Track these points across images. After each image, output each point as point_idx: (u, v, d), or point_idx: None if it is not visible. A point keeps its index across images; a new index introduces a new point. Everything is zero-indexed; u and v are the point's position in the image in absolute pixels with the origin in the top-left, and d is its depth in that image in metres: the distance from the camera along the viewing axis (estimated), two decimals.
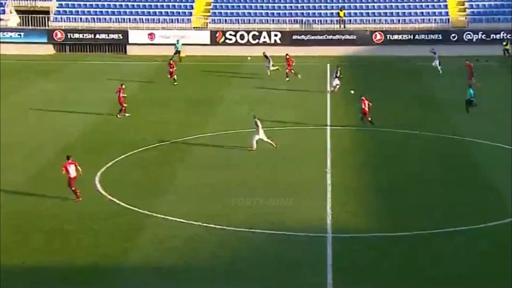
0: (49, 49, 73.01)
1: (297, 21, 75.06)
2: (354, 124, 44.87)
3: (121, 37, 73.17)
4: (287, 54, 59.82)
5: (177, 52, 67.43)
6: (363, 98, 43.55)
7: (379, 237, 28.02)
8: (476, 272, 24.77)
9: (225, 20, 75.13)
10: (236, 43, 73.18)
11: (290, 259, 26.04)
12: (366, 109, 43.20)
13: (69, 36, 73.14)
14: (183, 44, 68.97)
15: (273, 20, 74.96)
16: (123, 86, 47.05)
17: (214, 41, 73.28)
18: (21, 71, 62.77)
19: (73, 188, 31.24)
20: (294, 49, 68.84)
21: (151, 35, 73.01)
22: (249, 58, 68.72)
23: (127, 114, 46.47)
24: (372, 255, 26.47)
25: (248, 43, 73.15)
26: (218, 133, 42.70)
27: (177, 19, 74.67)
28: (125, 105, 46.75)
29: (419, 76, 61.58)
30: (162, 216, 29.92)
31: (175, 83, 56.52)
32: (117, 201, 31.52)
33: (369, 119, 43.06)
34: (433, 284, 24.01)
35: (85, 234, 28.29)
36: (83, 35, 73.34)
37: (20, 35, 73.22)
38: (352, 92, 49.06)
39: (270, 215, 30.02)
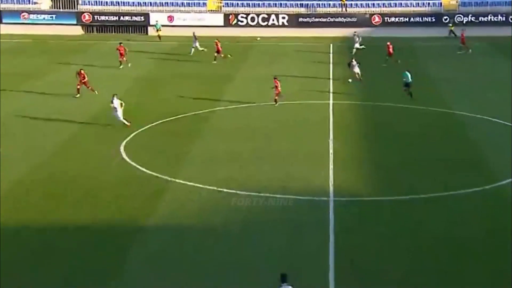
0: (78, 30, 73.15)
1: (302, 5, 74.82)
2: (354, 99, 44.83)
3: (143, 19, 73.26)
4: (216, 39, 59.37)
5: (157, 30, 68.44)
6: (275, 79, 43.11)
7: (377, 200, 28.18)
8: (462, 234, 24.90)
9: (237, 4, 74.87)
10: (247, 25, 73.19)
11: (297, 220, 26.15)
12: (279, 89, 42.66)
13: (96, 18, 73.24)
14: (199, 26, 68.79)
15: (281, 4, 74.67)
16: (83, 71, 45.52)
17: (227, 23, 73.22)
18: (54, 50, 62.58)
19: None
20: (300, 30, 68.96)
21: (170, 18, 72.94)
22: (258, 38, 68.64)
23: (77, 95, 45.05)
24: (371, 216, 26.65)
25: (258, 25, 73.15)
26: (232, 106, 42.66)
27: (194, 3, 74.52)
28: (78, 87, 45.29)
29: (414, 55, 61.24)
30: (182, 181, 30.02)
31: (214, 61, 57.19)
32: (141, 168, 31.63)
33: (276, 98, 42.76)
34: (424, 239, 24.43)
35: (111, 197, 28.52)
36: (108, 18, 73.36)
37: (52, 17, 73.28)
38: (350, 81, 48.89)
39: (278, 181, 30.10)
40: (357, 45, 60.86)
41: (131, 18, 73.43)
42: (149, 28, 72.54)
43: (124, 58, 55.46)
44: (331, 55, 60.22)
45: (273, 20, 73.20)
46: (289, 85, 47.27)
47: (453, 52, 61.30)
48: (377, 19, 73.03)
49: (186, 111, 41.17)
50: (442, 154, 34.02)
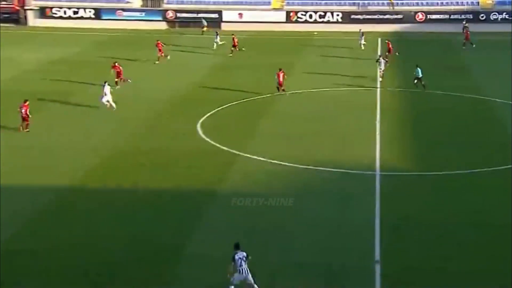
0: (163, 25, 73.52)
1: (354, 4, 73.57)
2: (399, 86, 44.22)
3: (217, 16, 73.16)
4: (233, 34, 58.51)
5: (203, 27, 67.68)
6: (280, 71, 41.59)
7: (418, 175, 28.07)
8: (492, 208, 24.57)
9: (298, 2, 74.05)
10: (306, 22, 72.46)
11: (346, 191, 26.33)
12: (281, 80, 41.31)
13: (178, 16, 73.50)
14: (263, 22, 69.14)
15: (335, 2, 73.61)
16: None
17: (288, 20, 72.65)
18: (143, 42, 63.04)
19: None
20: (352, 26, 67.71)
21: (240, 15, 72.76)
22: (315, 33, 67.93)
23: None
24: (412, 189, 26.61)
25: (315, 21, 72.49)
26: (292, 91, 42.48)
27: (260, 2, 74.11)
28: (119, 78, 43.16)
29: (453, 48, 59.79)
30: (248, 155, 30.27)
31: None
32: (213, 143, 31.95)
33: (283, 88, 41.46)
34: (460, 210, 24.22)
35: (188, 166, 29.03)
36: (188, 14, 73.55)
37: (141, 14, 73.95)
38: (397, 54, 47.99)
39: (331, 156, 30.19)
40: (362, 42, 59.94)
41: (207, 15, 73.41)
42: (222, 23, 72.40)
43: (162, 53, 53.17)
44: (379, 47, 59.06)
45: (328, 17, 72.42)
46: (342, 73, 46.77)
47: (488, 45, 59.49)
48: (420, 16, 71.43)
49: (253, 95, 41.15)
50: (475, 135, 33.68)
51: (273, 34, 65.11)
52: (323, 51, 58.56)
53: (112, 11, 73.69)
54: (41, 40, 62.66)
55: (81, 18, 72.58)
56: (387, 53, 52.79)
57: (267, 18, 72.23)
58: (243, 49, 57.44)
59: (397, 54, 53.42)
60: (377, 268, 19.83)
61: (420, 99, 41.27)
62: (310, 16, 72.67)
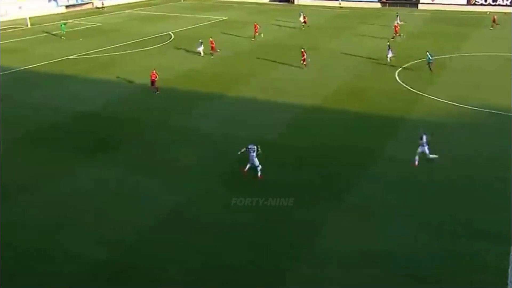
0: (377, 4, 69.09)
1: None
2: None
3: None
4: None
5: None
6: (303, 50, 34.57)
7: None
8: None
9: None
10: (481, 5, 63.07)
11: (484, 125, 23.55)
12: (305, 57, 34.09)
13: None
14: (448, 4, 61.56)
15: None
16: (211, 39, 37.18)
17: (468, 2, 63.92)
18: (360, 16, 59.69)
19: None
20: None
21: None
22: (488, 13, 59.13)
23: (219, 50, 36.62)
24: None
25: (489, 4, 62.65)
26: (465, 54, 37.86)
27: None
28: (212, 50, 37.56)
29: None
30: (429, 96, 28.46)
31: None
32: (405, 85, 30.42)
33: (304, 64, 33.70)
34: None
35: (385, 100, 27.63)
36: None
37: None
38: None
39: (484, 101, 26.86)
40: (398, 21, 48.60)
41: None
42: (418, 4, 66.00)
43: (257, 32, 44.80)
44: None
45: (499, 1, 62.17)
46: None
47: None
48: None
49: (436, 55, 37.09)
50: None
51: (456, 13, 58.23)
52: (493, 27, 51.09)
53: None
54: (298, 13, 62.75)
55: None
56: (393, 35, 43.91)
57: (449, 1, 64.30)
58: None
59: (402, 36, 43.72)
60: None
61: None
62: (485, 0, 63.24)
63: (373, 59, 37.40)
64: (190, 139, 22.49)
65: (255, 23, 46.56)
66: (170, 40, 44.94)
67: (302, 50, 35.09)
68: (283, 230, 15.36)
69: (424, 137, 19.03)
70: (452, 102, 27.11)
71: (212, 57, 37.78)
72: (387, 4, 68.67)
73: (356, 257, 13.96)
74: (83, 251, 14.48)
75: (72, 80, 32.54)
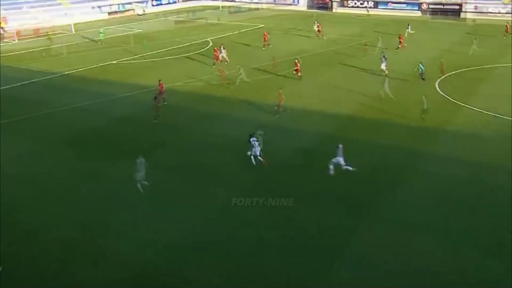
0: (418, 13, 67.85)
1: None
2: None
3: (457, 8, 65.12)
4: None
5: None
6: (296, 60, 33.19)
7: None
8: None
9: None
10: None
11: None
12: (299, 67, 32.57)
13: (430, 7, 67.08)
14: (490, 13, 59.29)
15: None
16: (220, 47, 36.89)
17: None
18: (402, 23, 58.87)
19: None
20: None
21: (475, 7, 63.85)
22: None
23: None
24: None
25: None
26: (505, 65, 36.63)
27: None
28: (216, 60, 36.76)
29: None
30: (470, 107, 27.92)
31: None
32: (445, 96, 29.88)
33: (295, 74, 32.42)
34: None
35: (412, 111, 26.37)
36: (435, 6, 66.48)
37: (404, 5, 68.88)
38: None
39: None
40: (408, 31, 47.70)
41: (444, 7, 65.67)
42: (461, 13, 64.35)
43: (266, 42, 44.19)
44: None
45: None
46: None
47: None
48: None
49: (476, 65, 36.75)
50: None
51: (496, 22, 56.32)
52: None
53: (385, 3, 70.02)
54: (339, 21, 62.72)
55: (364, 7, 70.28)
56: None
57: (495, 9, 62.32)
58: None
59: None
60: None
61: None
62: None
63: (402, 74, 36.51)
64: (225, 143, 22.76)
65: (265, 32, 46.44)
66: (208, 46, 45.64)
67: (296, 60, 33.60)
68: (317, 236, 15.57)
69: (339, 147, 18.77)
70: (492, 112, 26.45)
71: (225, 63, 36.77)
72: (427, 13, 67.29)
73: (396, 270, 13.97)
74: (128, 251, 14.75)
75: (114, 85, 33.46)
